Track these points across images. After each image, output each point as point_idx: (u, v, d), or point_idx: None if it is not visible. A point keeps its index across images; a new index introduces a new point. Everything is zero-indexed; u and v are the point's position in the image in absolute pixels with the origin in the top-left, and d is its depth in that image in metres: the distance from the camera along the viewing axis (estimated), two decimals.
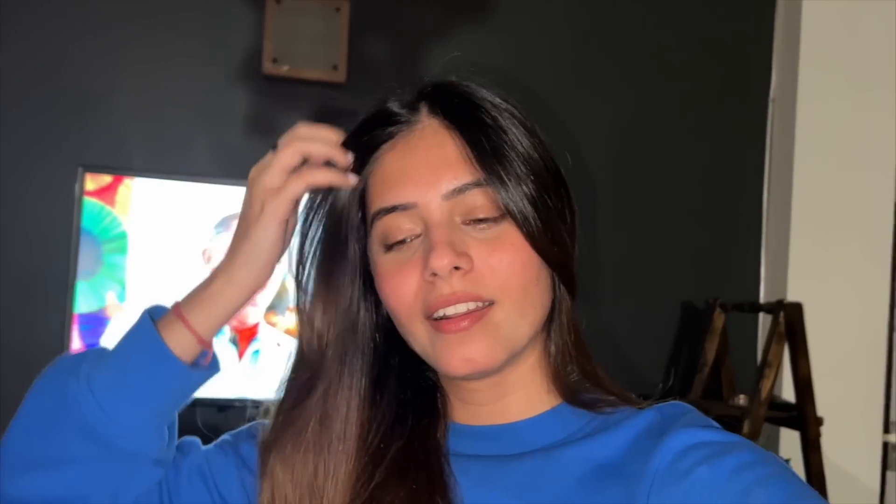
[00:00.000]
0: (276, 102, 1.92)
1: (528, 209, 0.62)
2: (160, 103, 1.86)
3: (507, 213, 0.62)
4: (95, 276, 1.75)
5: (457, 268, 0.61)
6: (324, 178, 0.65)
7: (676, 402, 0.65)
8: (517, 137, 0.64)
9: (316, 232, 0.68)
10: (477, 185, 0.62)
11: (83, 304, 1.73)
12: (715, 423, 0.62)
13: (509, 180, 0.62)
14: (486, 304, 0.61)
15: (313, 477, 0.64)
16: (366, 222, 0.66)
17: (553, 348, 0.67)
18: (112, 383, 0.65)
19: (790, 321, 1.91)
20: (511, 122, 0.65)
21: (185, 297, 0.68)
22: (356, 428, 0.65)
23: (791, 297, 2.09)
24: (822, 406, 1.99)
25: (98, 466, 0.65)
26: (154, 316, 0.68)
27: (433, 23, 1.99)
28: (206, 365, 0.70)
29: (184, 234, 1.79)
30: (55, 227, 1.77)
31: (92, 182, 1.74)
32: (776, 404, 1.99)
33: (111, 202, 1.75)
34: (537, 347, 0.67)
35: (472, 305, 0.61)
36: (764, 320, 2.21)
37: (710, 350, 2.07)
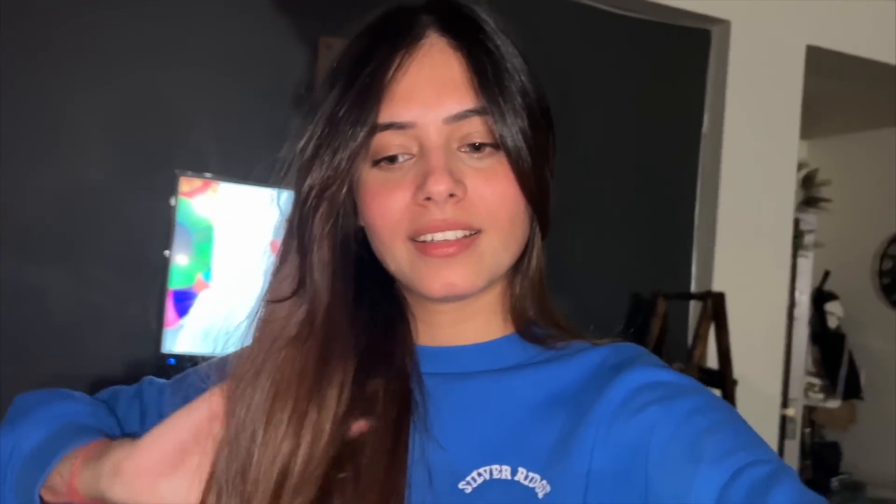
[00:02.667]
0: None
1: (522, 145, 0.61)
2: (236, 124, 2.32)
3: (500, 146, 0.61)
4: (187, 259, 2.19)
5: (452, 195, 0.59)
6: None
7: (631, 343, 0.66)
8: (516, 69, 0.63)
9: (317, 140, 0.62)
10: (478, 112, 0.60)
11: (177, 281, 2.18)
12: (668, 366, 0.62)
13: (507, 112, 0.61)
14: (474, 232, 0.61)
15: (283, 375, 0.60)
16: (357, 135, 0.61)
17: (518, 283, 0.67)
18: None
19: (716, 306, 2.50)
20: (513, 51, 0.63)
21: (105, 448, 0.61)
22: (342, 328, 0.62)
23: (716, 287, 2.70)
24: (736, 373, 2.59)
25: None
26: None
27: None
28: None
29: (255, 228, 2.25)
30: (157, 220, 2.21)
31: (186, 185, 2.19)
32: (703, 369, 2.59)
33: (201, 201, 2.21)
34: (505, 280, 0.67)
35: (460, 234, 0.60)
36: (693, 306, 2.81)
37: (655, 329, 2.66)
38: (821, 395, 4.18)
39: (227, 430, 0.59)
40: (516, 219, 0.62)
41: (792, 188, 2.95)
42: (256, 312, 0.64)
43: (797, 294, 3.95)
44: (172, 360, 2.17)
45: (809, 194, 3.92)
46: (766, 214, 2.87)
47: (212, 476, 0.59)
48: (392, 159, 0.61)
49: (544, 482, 0.57)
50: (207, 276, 2.21)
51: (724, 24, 2.85)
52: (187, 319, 2.19)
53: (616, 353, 0.63)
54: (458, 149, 0.61)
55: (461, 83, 0.60)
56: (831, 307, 4.26)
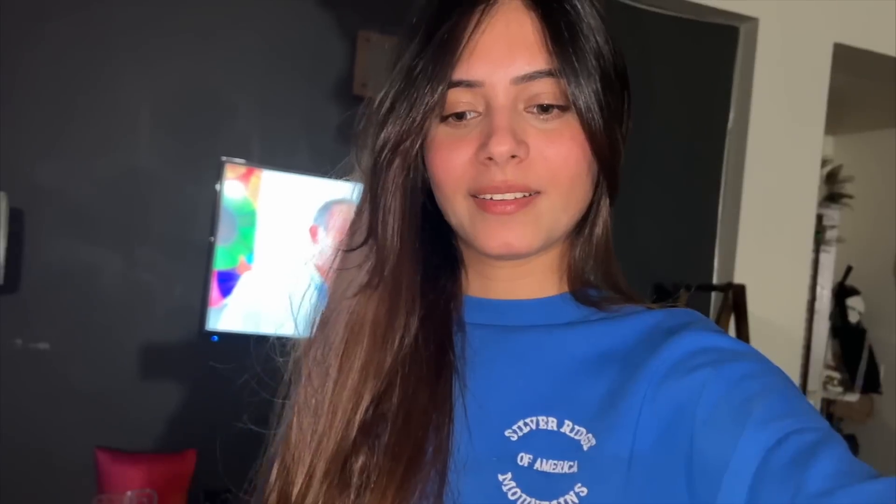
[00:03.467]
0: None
1: (594, 105, 0.61)
2: (278, 114, 2.42)
3: (571, 106, 0.61)
4: (231, 242, 2.31)
5: (513, 156, 0.59)
6: None
7: (688, 309, 0.65)
8: (592, 30, 0.63)
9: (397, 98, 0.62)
10: (549, 74, 0.60)
11: (221, 262, 2.30)
12: (724, 332, 0.62)
13: (581, 73, 0.60)
14: (533, 193, 0.61)
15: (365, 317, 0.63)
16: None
17: (579, 246, 0.68)
18: None
19: (737, 298, 2.58)
20: (590, 11, 0.63)
21: None
22: (408, 273, 0.64)
23: (737, 280, 2.77)
24: None
25: None
26: None
27: None
28: None
29: (296, 213, 2.36)
30: (202, 204, 2.32)
31: (231, 171, 2.30)
32: None
33: (245, 187, 2.32)
34: (566, 241, 0.67)
35: (519, 195, 0.61)
36: (715, 297, 2.88)
37: None
38: (840, 389, 4.23)
39: (306, 369, 0.64)
40: (577, 180, 0.62)
41: (815, 184, 3.00)
42: (333, 263, 0.66)
43: (818, 289, 4.00)
44: (215, 338, 2.29)
45: (833, 190, 3.96)
46: (788, 209, 2.93)
47: (292, 409, 0.63)
48: (460, 116, 0.62)
49: (590, 435, 0.57)
50: (250, 258, 2.33)
51: (752, 22, 2.90)
52: (230, 299, 2.30)
53: (671, 317, 0.63)
54: (525, 109, 0.61)
55: (533, 43, 0.60)
56: (853, 302, 4.30)
